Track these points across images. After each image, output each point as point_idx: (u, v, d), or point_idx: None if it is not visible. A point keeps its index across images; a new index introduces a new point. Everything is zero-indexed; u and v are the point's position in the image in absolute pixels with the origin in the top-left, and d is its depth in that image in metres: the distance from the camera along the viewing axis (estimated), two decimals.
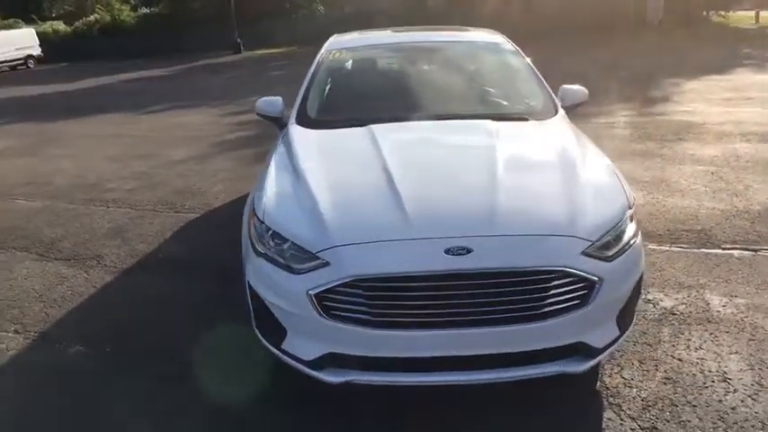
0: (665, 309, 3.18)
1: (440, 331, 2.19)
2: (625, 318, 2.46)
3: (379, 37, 4.46)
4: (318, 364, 2.31)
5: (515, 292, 2.18)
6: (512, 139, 3.09)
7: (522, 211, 2.40)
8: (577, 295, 2.26)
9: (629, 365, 2.71)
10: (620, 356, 2.76)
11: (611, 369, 2.69)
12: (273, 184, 2.77)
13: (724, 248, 3.85)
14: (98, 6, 37.90)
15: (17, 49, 31.16)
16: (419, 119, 3.38)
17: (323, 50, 4.16)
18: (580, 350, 2.35)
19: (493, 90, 3.83)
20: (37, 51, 32.37)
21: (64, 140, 9.49)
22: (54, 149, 8.80)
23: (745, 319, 3.04)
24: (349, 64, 4.18)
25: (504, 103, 3.68)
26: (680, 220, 4.31)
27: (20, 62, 31.34)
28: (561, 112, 3.46)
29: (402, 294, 2.19)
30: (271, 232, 2.43)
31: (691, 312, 3.13)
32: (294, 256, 2.30)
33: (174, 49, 29.88)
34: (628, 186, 2.69)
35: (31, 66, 31.72)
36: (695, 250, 3.85)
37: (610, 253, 2.34)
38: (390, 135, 3.13)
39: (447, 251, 2.18)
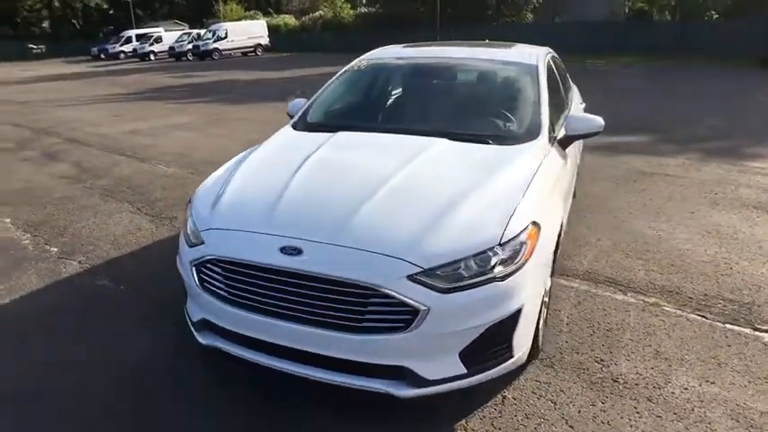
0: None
1: (279, 322, 2.39)
2: (478, 357, 2.38)
3: (412, 51, 4.50)
4: (198, 325, 2.72)
5: (338, 300, 2.29)
6: (437, 159, 3.03)
7: (371, 227, 2.44)
8: (399, 318, 2.27)
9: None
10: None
11: None
12: (220, 171, 3.24)
13: None
14: (324, 4, 42.50)
15: (249, 38, 36.59)
16: (385, 131, 3.51)
17: (355, 60, 4.42)
18: (406, 375, 2.35)
19: (484, 111, 3.71)
20: (265, 41, 37.58)
21: (229, 122, 11.12)
22: (215, 128, 10.41)
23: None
24: (365, 75, 4.33)
25: (482, 124, 3.55)
26: None
27: (250, 49, 36.77)
28: (543, 139, 3.24)
29: (247, 280, 2.45)
30: (189, 210, 2.92)
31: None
32: (192, 232, 2.74)
33: (379, 46, 32.23)
34: (521, 224, 2.48)
35: (259, 53, 36.96)
36: None
37: (447, 285, 2.28)
38: (337, 142, 3.35)
39: (281, 249, 2.39)
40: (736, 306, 3.51)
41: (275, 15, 45.64)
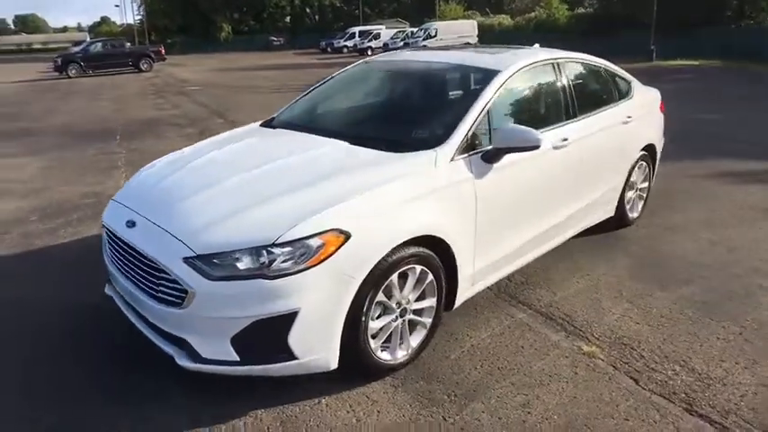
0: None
1: (125, 282, 2.76)
2: (250, 349, 2.41)
3: (403, 55, 4.43)
4: (107, 274, 3.15)
5: (146, 270, 2.59)
6: (308, 160, 3.08)
7: (185, 212, 2.66)
8: (176, 294, 2.43)
9: None
10: None
11: None
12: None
13: None
14: (540, 4, 41.13)
15: (459, 37, 37.03)
16: (308, 131, 3.53)
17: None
18: (186, 348, 2.48)
19: (417, 116, 3.48)
20: (474, 40, 37.71)
21: None
22: None
23: None
24: (344, 78, 4.27)
25: (396, 129, 3.38)
26: None
27: None
28: (445, 149, 2.91)
29: (110, 243, 2.94)
30: None
31: None
32: None
33: (590, 50, 30.21)
34: (312, 229, 2.41)
35: None
36: None
37: (218, 273, 2.36)
38: (255, 138, 3.70)
39: (126, 221, 2.76)
40: None
41: (491, 15, 45.60)
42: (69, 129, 10.84)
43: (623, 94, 4.48)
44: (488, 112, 3.16)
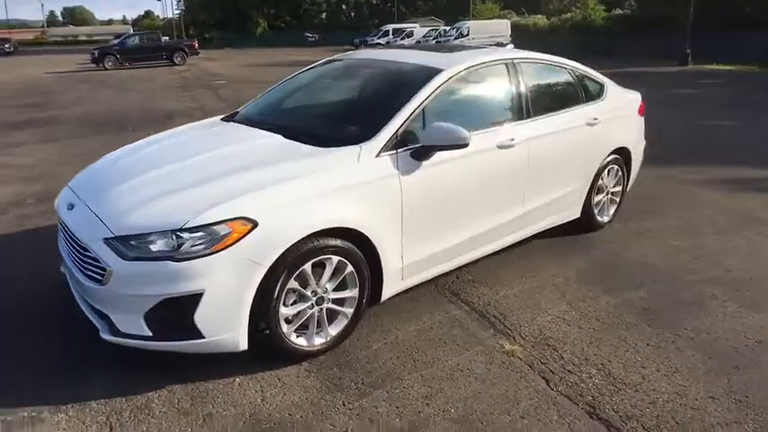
0: None
1: (69, 260, 2.90)
2: (160, 325, 2.54)
3: (367, 54, 4.49)
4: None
5: (78, 249, 2.75)
6: (240, 151, 3.24)
7: (115, 196, 2.84)
8: (98, 272, 2.59)
9: None
10: None
11: None
12: None
13: None
14: (577, 5, 40.32)
15: (491, 37, 36.62)
16: (254, 125, 3.63)
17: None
18: (108, 322, 2.64)
19: (354, 113, 3.61)
20: (506, 40, 37.25)
21: None
22: None
23: None
24: (307, 76, 4.36)
25: (329, 124, 3.59)
26: None
27: None
28: (371, 145, 2.96)
29: (60, 225, 3.12)
30: None
31: None
32: None
33: (627, 52, 29.63)
34: (220, 215, 2.51)
35: None
36: None
37: (133, 254, 2.50)
38: (206, 131, 3.90)
39: (67, 205, 2.98)
40: None
41: (527, 15, 44.95)
42: (89, 118, 11.24)
43: (592, 95, 4.41)
44: (424, 110, 3.18)
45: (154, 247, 2.49)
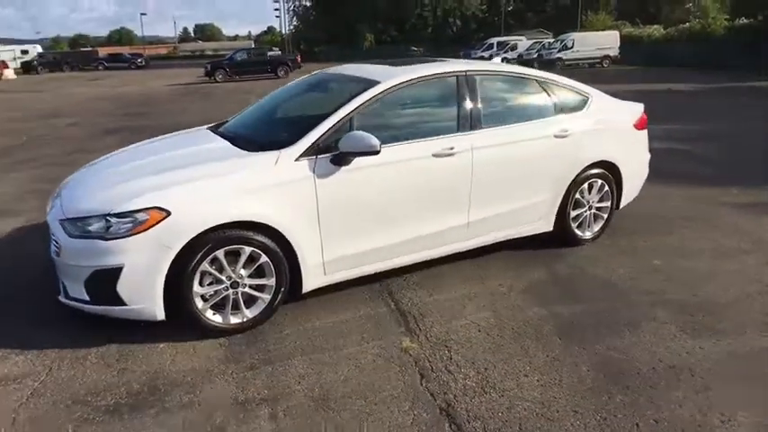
0: None
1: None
2: (94, 292, 3.06)
3: (340, 68, 4.63)
4: None
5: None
6: (191, 153, 3.71)
7: (84, 188, 3.47)
8: (56, 246, 3.18)
9: None
10: None
11: None
12: None
13: None
14: (696, 14, 37.37)
15: (598, 49, 35.17)
16: (218, 133, 4.09)
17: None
18: (62, 286, 3.25)
19: (292, 122, 3.99)
20: (614, 52, 35.51)
21: None
22: None
23: None
24: (285, 88, 4.76)
25: (270, 132, 3.97)
26: None
27: (597, 60, 35.37)
28: (291, 150, 3.29)
29: None
30: None
31: None
32: None
33: (749, 65, 27.07)
34: (138, 204, 2.99)
35: (605, 65, 35.23)
36: None
37: (75, 232, 3.07)
38: (186, 135, 4.44)
39: (54, 197, 3.59)
40: None
41: (641, 26, 42.37)
42: (177, 127, 12.56)
43: (567, 107, 4.34)
44: (351, 120, 3.43)
45: (91, 228, 3.01)
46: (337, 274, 3.53)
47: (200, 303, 3.14)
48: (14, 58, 50.97)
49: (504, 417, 2.53)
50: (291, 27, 59.39)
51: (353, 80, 3.90)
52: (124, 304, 3.01)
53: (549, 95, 4.31)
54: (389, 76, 3.71)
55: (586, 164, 4.35)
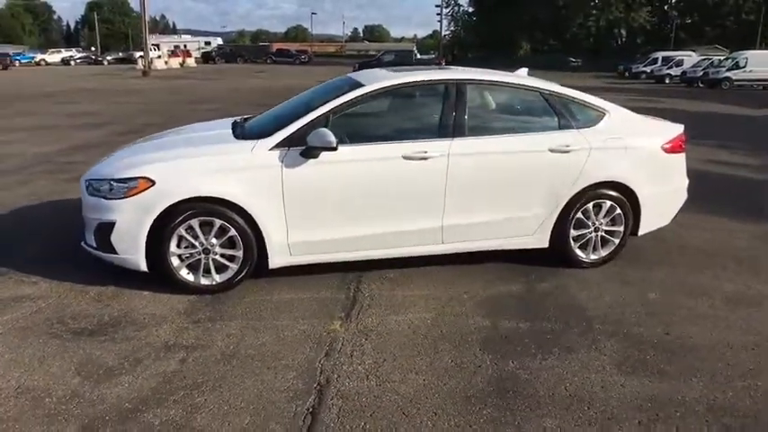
0: None
1: None
2: (99, 240, 3.73)
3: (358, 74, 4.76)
4: None
5: None
6: (197, 137, 4.40)
7: (110, 158, 4.24)
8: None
9: None
10: None
11: None
12: None
13: None
14: None
15: None
16: (233, 123, 4.54)
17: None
18: (85, 235, 4.00)
19: (285, 117, 4.12)
20: None
21: None
22: None
23: None
24: (308, 90, 5.10)
25: (266, 125, 4.17)
26: None
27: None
28: (267, 142, 3.72)
29: None
30: None
31: None
32: None
33: None
34: (132, 173, 3.66)
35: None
36: None
37: (92, 192, 3.81)
38: (214, 123, 4.95)
39: None
40: None
41: None
42: None
43: (572, 122, 4.19)
44: (328, 118, 3.77)
45: (100, 189, 3.72)
46: (303, 257, 3.88)
47: (176, 262, 3.71)
48: (198, 49, 58.86)
49: (366, 402, 2.69)
50: (449, 32, 60.28)
51: (348, 83, 4.20)
52: (116, 252, 3.67)
53: (552, 109, 4.20)
54: (375, 81, 3.96)
55: (591, 182, 4.17)
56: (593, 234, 4.34)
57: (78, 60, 57.77)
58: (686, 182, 4.63)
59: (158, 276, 3.73)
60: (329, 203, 3.80)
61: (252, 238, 3.71)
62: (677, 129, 4.53)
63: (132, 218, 3.58)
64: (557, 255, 4.35)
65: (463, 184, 3.94)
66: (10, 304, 3.60)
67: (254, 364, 2.99)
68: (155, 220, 3.57)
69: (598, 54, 49.71)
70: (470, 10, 60.54)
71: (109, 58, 58.93)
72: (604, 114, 4.31)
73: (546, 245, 4.29)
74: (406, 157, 3.81)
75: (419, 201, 3.93)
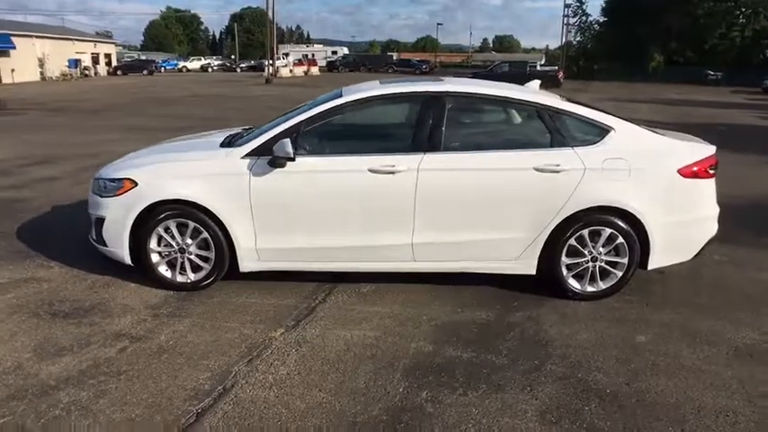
0: None
1: None
2: (96, 234, 4.14)
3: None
4: None
5: None
6: (186, 144, 4.74)
7: (136, 157, 4.52)
8: None
9: None
10: None
11: None
12: None
13: None
14: None
15: None
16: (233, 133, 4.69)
17: None
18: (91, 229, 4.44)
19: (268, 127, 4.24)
20: None
21: None
22: None
23: None
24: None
25: (245, 135, 4.31)
26: None
27: None
28: (239, 150, 3.88)
29: None
30: None
31: None
32: None
33: None
34: (120, 175, 4.04)
35: None
36: None
37: (94, 189, 4.24)
38: (219, 131, 5.04)
39: None
40: None
41: None
42: None
43: (568, 140, 3.84)
44: (299, 129, 3.84)
45: (99, 187, 4.13)
46: (273, 263, 3.98)
47: (155, 258, 4.00)
48: (324, 58, 62.08)
49: (253, 412, 2.72)
50: (576, 42, 57.37)
51: (333, 94, 4.23)
52: (106, 246, 4.06)
53: (546, 125, 3.89)
54: (355, 92, 3.96)
55: (584, 206, 3.79)
56: (591, 264, 3.94)
57: (215, 68, 64.06)
58: (716, 211, 4.04)
59: (143, 270, 4.05)
60: (295, 213, 3.86)
61: (223, 240, 3.89)
62: (705, 151, 3.98)
63: (118, 215, 3.94)
64: (547, 284, 4.02)
65: (435, 201, 3.79)
66: (20, 284, 4.12)
67: (179, 360, 3.15)
68: (136, 218, 3.89)
69: (741, 68, 44.25)
70: (601, 20, 57.16)
71: (242, 65, 64.45)
72: (608, 132, 3.90)
73: (533, 271, 3.98)
74: (372, 171, 3.76)
75: (387, 215, 3.85)
